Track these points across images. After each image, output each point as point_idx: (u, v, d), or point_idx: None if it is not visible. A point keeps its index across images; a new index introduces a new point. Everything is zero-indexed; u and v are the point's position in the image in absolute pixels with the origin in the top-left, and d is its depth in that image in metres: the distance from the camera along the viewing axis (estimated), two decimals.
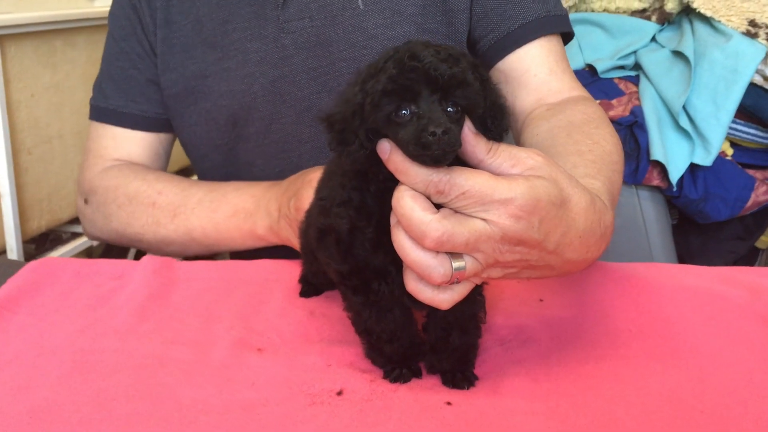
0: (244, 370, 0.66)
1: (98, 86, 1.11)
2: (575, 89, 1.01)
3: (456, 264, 0.55)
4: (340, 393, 0.62)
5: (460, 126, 0.55)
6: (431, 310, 0.63)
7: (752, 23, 1.52)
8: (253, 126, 1.03)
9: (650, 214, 1.61)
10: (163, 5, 1.04)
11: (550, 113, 0.94)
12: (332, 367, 0.66)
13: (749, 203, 1.62)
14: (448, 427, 0.57)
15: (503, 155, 0.57)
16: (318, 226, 0.65)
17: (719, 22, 1.54)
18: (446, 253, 0.55)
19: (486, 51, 1.01)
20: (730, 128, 1.60)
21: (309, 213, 0.73)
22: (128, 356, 0.69)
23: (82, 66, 1.97)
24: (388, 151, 0.55)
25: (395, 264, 0.59)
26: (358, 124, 0.56)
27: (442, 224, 0.54)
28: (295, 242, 0.87)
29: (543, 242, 0.57)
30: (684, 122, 1.52)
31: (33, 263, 0.90)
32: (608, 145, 0.85)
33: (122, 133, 1.09)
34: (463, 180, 0.54)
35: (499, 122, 0.58)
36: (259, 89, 1.01)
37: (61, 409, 0.61)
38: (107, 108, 1.09)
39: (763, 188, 1.62)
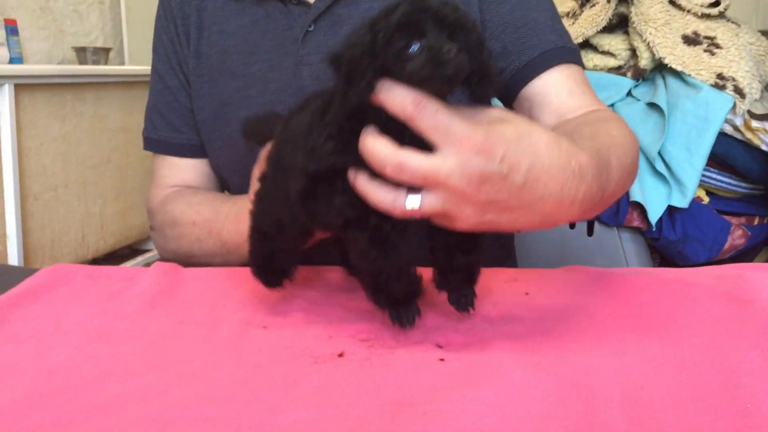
0: (250, 341, 0.71)
1: (148, 118, 1.20)
2: (595, 104, 1.02)
3: (411, 196, 0.61)
4: (341, 355, 0.67)
5: None
6: (434, 235, 0.67)
7: (720, 76, 1.64)
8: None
9: (632, 255, 1.68)
10: (195, 37, 1.14)
11: (565, 123, 0.97)
12: (333, 338, 0.71)
13: (726, 246, 1.69)
14: (442, 377, 0.62)
15: (466, 109, 0.63)
16: (309, 172, 0.65)
17: (689, 75, 1.66)
18: (408, 190, 0.61)
19: (508, 81, 1.05)
20: (705, 177, 1.69)
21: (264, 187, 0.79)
22: (140, 333, 0.74)
23: (89, 120, 2.07)
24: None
25: None
26: (367, 63, 0.60)
27: (401, 153, 0.59)
28: None
29: (509, 176, 0.59)
30: (660, 167, 1.62)
31: (46, 268, 0.96)
32: (614, 131, 0.84)
33: (176, 162, 1.18)
34: (435, 104, 0.59)
35: (485, 84, 0.64)
36: None
37: (79, 368, 0.65)
38: (159, 139, 1.18)
39: (739, 232, 1.70)
